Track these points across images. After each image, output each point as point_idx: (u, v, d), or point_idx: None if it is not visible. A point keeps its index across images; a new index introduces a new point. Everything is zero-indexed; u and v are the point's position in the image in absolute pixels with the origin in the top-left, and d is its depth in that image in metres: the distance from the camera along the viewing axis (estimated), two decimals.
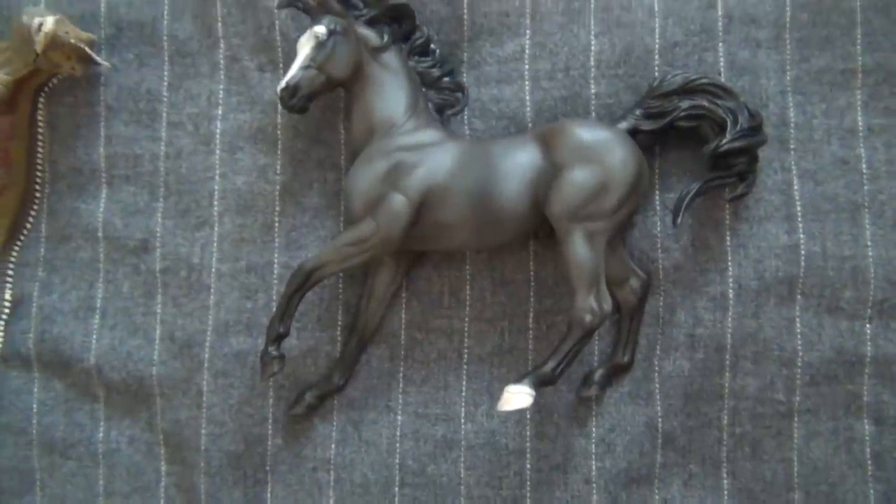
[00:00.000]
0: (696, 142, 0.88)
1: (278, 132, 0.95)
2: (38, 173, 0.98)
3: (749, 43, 0.90)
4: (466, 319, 0.93)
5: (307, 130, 0.95)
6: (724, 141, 0.84)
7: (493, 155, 0.86)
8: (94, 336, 0.97)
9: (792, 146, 0.90)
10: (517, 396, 0.81)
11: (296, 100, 0.85)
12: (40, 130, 0.98)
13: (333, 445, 0.95)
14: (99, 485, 0.98)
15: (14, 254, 0.99)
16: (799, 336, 0.90)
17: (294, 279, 0.86)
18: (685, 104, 0.86)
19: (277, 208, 0.95)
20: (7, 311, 0.98)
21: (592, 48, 0.91)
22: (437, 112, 0.90)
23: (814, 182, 0.90)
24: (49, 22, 0.87)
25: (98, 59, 0.93)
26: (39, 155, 0.98)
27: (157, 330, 0.97)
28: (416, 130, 0.87)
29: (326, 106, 0.94)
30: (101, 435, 0.98)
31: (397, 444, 0.94)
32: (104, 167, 0.97)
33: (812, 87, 0.90)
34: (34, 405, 0.98)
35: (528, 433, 0.93)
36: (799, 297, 0.89)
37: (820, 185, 0.89)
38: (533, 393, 0.82)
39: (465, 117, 0.93)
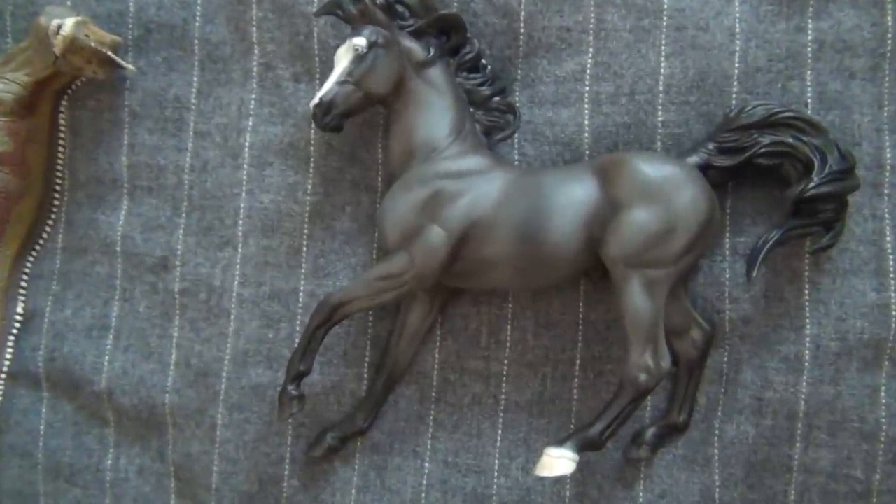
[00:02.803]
0: (776, 181, 0.79)
1: (311, 148, 0.88)
2: (58, 181, 0.93)
3: (842, 73, 0.80)
4: (505, 362, 0.86)
5: (342, 148, 0.87)
6: (811, 185, 0.74)
7: (545, 187, 0.78)
8: (107, 357, 0.92)
9: (886, 191, 0.80)
10: (558, 462, 0.74)
11: (330, 117, 0.78)
12: (61, 136, 0.92)
13: (354, 491, 0.88)
14: None
15: (28, 265, 0.94)
16: (883, 407, 0.80)
17: (318, 313, 0.79)
18: (766, 139, 0.77)
19: (306, 231, 0.88)
20: (18, 324, 0.93)
21: (662, 71, 0.82)
22: (485, 135, 0.83)
23: None
24: (68, 24, 0.81)
25: (122, 62, 0.87)
26: (59, 162, 0.92)
27: (173, 355, 0.91)
28: (460, 155, 0.80)
29: (364, 122, 0.87)
30: (109, 462, 0.93)
31: (423, 495, 0.87)
32: (126, 177, 0.92)
33: None
34: (41, 426, 0.94)
35: (567, 494, 0.85)
36: (886, 363, 0.80)
37: None
38: (576, 458, 0.75)
39: (516, 141, 0.85)
